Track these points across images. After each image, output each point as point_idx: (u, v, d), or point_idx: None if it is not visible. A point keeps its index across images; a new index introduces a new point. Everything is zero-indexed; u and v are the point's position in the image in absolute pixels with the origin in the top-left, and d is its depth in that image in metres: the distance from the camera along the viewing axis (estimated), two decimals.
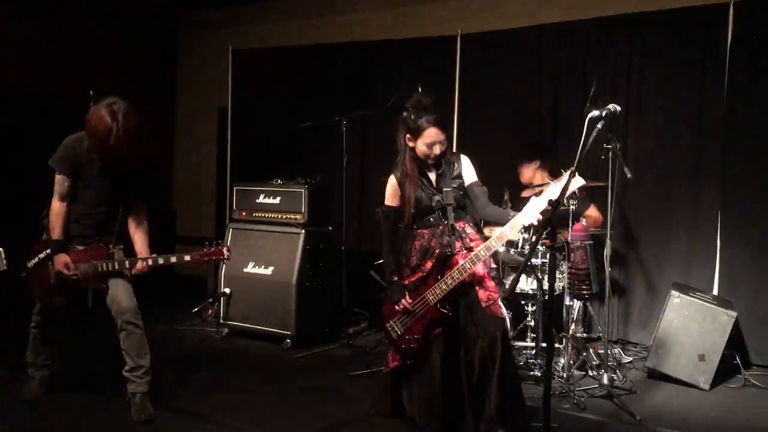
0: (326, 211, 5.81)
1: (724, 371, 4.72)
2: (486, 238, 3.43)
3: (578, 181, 3.08)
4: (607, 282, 4.54)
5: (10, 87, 6.38)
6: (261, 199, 5.79)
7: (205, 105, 7.96)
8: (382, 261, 3.68)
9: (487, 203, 3.57)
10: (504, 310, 3.59)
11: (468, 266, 3.33)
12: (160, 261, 3.80)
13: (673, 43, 5.41)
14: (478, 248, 3.34)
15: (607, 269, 4.53)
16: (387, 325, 3.61)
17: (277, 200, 5.71)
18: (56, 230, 3.81)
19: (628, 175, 4.24)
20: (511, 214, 3.34)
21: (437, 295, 3.41)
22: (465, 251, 3.46)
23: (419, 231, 3.56)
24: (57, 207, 3.83)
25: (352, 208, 6.50)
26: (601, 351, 4.69)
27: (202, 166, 8.01)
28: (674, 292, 4.78)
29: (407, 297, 3.51)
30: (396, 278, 3.57)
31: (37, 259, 3.92)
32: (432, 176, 3.60)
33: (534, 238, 3.01)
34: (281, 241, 5.60)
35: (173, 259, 3.82)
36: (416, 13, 6.63)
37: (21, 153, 6.34)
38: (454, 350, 3.50)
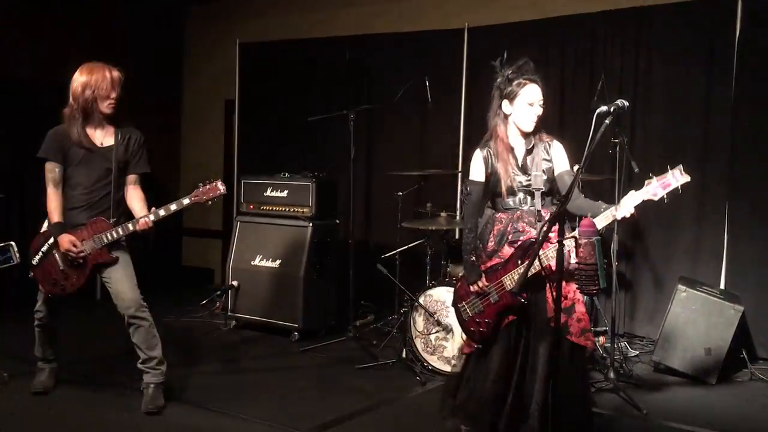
0: (333, 204, 5.82)
1: (731, 365, 4.72)
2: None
3: (683, 178, 3.10)
4: (614, 276, 4.54)
5: (14, 80, 6.39)
6: (268, 192, 5.80)
7: (212, 98, 7.96)
8: (461, 238, 3.52)
9: (578, 194, 3.38)
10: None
11: (551, 255, 3.11)
12: (162, 212, 3.80)
13: (681, 36, 5.38)
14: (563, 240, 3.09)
15: (614, 263, 4.53)
16: (459, 305, 3.48)
17: (285, 193, 5.73)
18: (55, 215, 3.84)
19: (636, 169, 4.22)
20: (603, 206, 3.20)
21: (514, 281, 3.25)
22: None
23: (497, 215, 3.40)
24: (52, 194, 3.86)
25: (360, 201, 6.52)
26: (608, 345, 4.70)
27: (209, 159, 8.01)
28: (681, 286, 4.78)
29: (483, 279, 3.36)
30: (473, 259, 3.40)
31: (41, 254, 3.93)
32: (520, 154, 3.38)
33: (543, 231, 2.97)
34: (289, 234, 5.62)
35: (173, 207, 3.80)
36: (423, 6, 6.62)
37: (24, 147, 6.34)
38: (522, 342, 3.33)
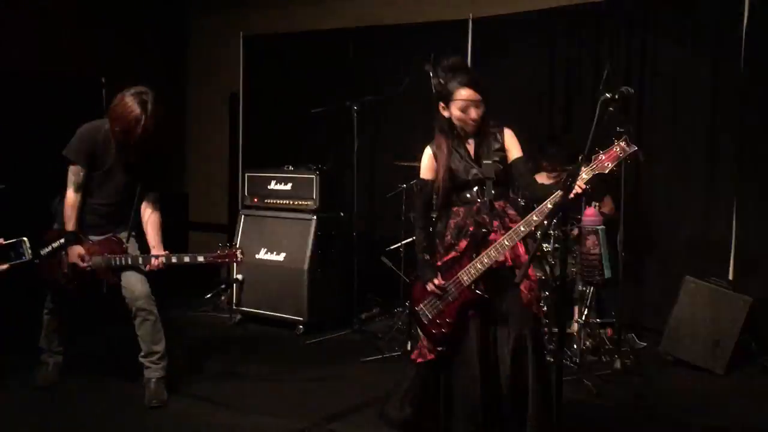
0: (338, 197, 5.79)
1: (740, 356, 4.66)
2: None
3: (629, 149, 2.92)
4: (620, 267, 4.49)
5: (20, 73, 6.38)
6: (273, 186, 5.79)
7: (217, 91, 7.95)
8: (414, 239, 3.37)
9: (533, 181, 3.29)
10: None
11: (507, 243, 3.02)
12: (173, 260, 3.82)
13: (688, 24, 5.32)
14: (519, 224, 3.04)
15: (620, 254, 4.49)
16: (417, 308, 3.32)
17: (289, 186, 5.71)
18: (71, 221, 3.82)
19: (641, 159, 4.19)
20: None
21: (472, 276, 3.11)
22: (503, 231, 3.15)
23: (454, 209, 3.28)
24: (71, 198, 3.82)
25: (364, 193, 6.48)
26: (615, 336, 4.66)
27: (213, 152, 8.01)
28: (689, 278, 4.73)
29: (439, 277, 3.22)
30: (427, 257, 3.28)
31: (50, 248, 3.91)
32: (471, 147, 3.27)
33: (545, 222, 2.90)
34: (293, 227, 5.60)
35: (186, 259, 3.83)
36: None
37: (32, 140, 6.35)
38: (491, 336, 3.19)
